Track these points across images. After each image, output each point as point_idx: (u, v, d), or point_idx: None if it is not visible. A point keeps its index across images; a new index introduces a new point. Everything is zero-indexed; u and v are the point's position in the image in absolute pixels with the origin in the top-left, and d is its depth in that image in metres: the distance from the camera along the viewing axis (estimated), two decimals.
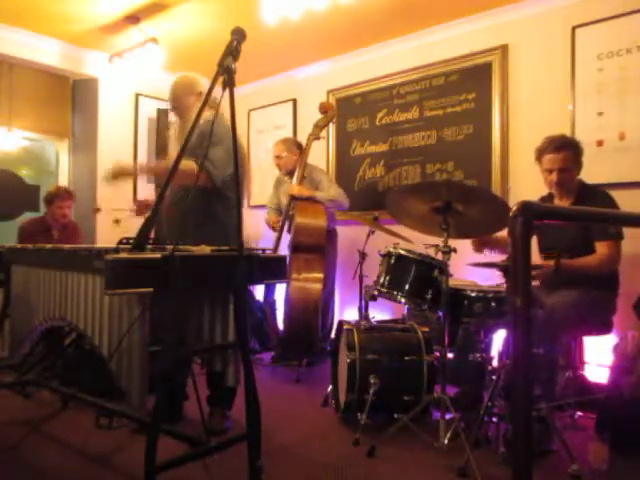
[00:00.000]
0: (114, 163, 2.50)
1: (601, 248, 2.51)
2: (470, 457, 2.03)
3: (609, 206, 2.49)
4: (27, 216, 4.13)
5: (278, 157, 3.96)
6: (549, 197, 2.78)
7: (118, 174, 2.48)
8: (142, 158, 4.86)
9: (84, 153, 4.73)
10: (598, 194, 2.61)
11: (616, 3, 3.21)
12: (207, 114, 2.57)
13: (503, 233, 2.69)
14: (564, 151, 2.58)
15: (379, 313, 3.86)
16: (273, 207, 4.08)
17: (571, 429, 2.54)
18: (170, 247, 1.72)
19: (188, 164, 2.26)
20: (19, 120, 4.37)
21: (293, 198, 3.65)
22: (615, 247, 2.50)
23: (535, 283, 2.66)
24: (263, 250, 2.03)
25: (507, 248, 2.65)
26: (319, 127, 3.88)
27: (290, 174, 3.86)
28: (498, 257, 2.82)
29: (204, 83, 2.63)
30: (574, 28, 3.37)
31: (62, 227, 3.88)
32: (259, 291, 4.44)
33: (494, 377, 2.33)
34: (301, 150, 3.90)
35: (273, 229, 3.93)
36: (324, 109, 3.95)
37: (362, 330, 2.69)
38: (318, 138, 3.89)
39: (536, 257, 2.63)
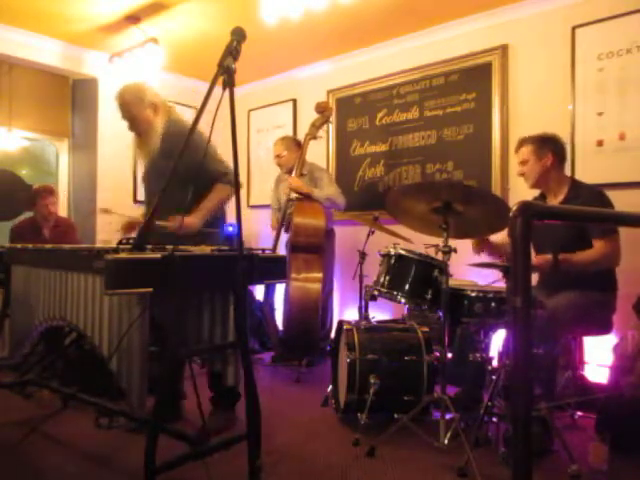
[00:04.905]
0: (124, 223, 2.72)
1: (600, 246, 2.49)
2: (470, 457, 2.03)
3: (597, 202, 2.47)
4: (27, 216, 4.13)
5: (278, 156, 4.02)
6: (541, 197, 2.78)
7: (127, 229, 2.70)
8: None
9: (84, 153, 4.72)
10: (586, 190, 2.60)
11: (616, 3, 3.21)
12: (158, 122, 2.57)
13: (500, 238, 2.69)
14: (521, 146, 2.74)
15: (379, 313, 3.86)
16: (275, 207, 4.10)
17: (571, 429, 2.54)
18: (170, 247, 1.73)
19: (224, 190, 2.50)
20: (19, 120, 4.36)
21: (291, 191, 3.67)
22: (614, 242, 2.48)
23: (534, 278, 2.65)
24: (263, 250, 2.03)
25: (504, 255, 2.64)
26: (316, 127, 3.89)
27: (290, 172, 3.89)
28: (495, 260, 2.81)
29: (152, 91, 2.59)
30: (574, 28, 3.37)
31: (53, 226, 3.88)
32: (259, 291, 4.44)
33: (494, 377, 2.33)
34: (300, 148, 3.92)
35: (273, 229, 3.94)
36: (321, 109, 3.95)
37: (362, 330, 2.69)
38: (315, 138, 3.90)
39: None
